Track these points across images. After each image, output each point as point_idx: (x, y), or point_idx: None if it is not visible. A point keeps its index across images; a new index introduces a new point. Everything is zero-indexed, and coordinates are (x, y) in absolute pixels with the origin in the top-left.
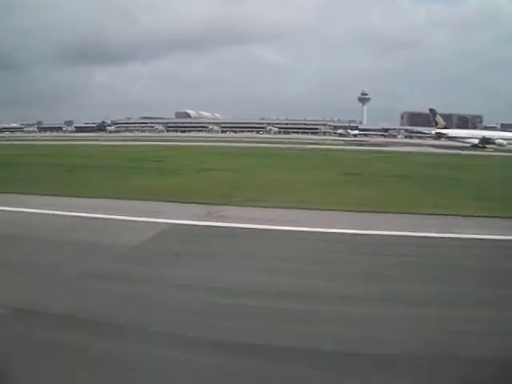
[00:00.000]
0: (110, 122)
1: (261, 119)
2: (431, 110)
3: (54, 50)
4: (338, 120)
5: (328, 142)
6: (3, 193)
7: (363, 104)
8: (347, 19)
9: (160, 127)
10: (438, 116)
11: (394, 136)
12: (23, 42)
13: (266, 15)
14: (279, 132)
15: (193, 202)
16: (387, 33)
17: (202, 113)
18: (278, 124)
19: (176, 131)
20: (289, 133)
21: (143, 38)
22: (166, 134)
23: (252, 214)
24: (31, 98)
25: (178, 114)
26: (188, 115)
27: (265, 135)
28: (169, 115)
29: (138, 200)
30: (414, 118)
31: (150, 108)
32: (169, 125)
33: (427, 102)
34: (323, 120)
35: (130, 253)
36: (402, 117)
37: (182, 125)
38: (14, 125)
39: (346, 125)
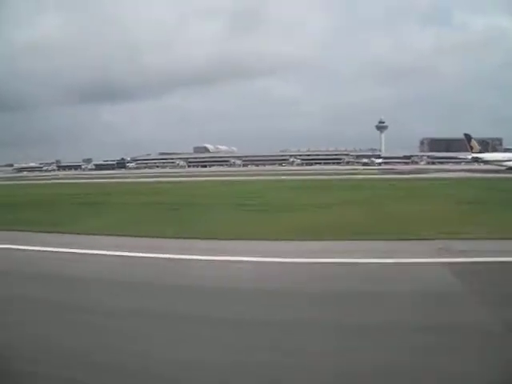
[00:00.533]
0: (129, 158)
1: (281, 151)
2: (466, 135)
3: (60, 90)
4: (360, 149)
5: (368, 171)
6: (177, 238)
7: (381, 132)
8: (356, 50)
9: (182, 163)
10: (473, 141)
11: (417, 162)
12: (28, 83)
13: (273, 49)
14: (302, 164)
15: (394, 239)
16: (396, 61)
17: (220, 147)
18: (299, 155)
19: (197, 166)
20: (311, 164)
21: (150, 76)
22: (190, 169)
23: (479, 247)
24: (40, 138)
25: (197, 149)
26: (206, 149)
27: (288, 167)
28: (183, 150)
29: (326, 240)
30: (435, 144)
31: (161, 144)
32: (189, 160)
33: (439, 128)
34: (345, 150)
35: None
36: (422, 143)
37: (203, 159)
38: (32, 164)
39: (369, 154)
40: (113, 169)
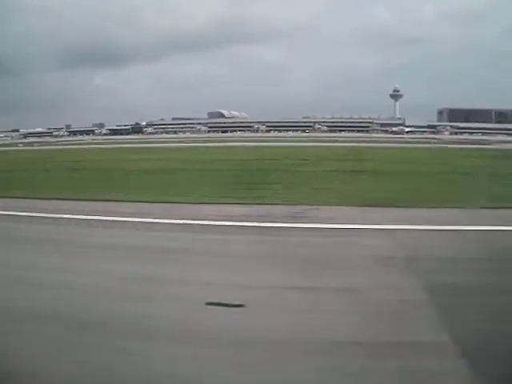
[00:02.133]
0: (144, 123)
1: (304, 117)
2: None
3: (58, 54)
4: (382, 117)
5: (415, 140)
6: None
7: (395, 100)
8: (356, 15)
9: (203, 128)
10: None
11: (441, 132)
12: (22, 46)
13: (272, 14)
14: (327, 131)
15: None
16: (400, 29)
17: (233, 112)
18: (323, 122)
19: (217, 131)
20: (335, 131)
21: (148, 40)
22: (216, 134)
23: None
24: (39, 104)
25: (211, 114)
26: (222, 115)
27: (315, 134)
28: (195, 115)
29: None
30: (454, 114)
31: (165, 109)
32: (209, 125)
33: (445, 98)
34: (369, 118)
35: None
36: (441, 112)
37: (223, 125)
38: (39, 129)
39: (391, 122)
40: (128, 134)
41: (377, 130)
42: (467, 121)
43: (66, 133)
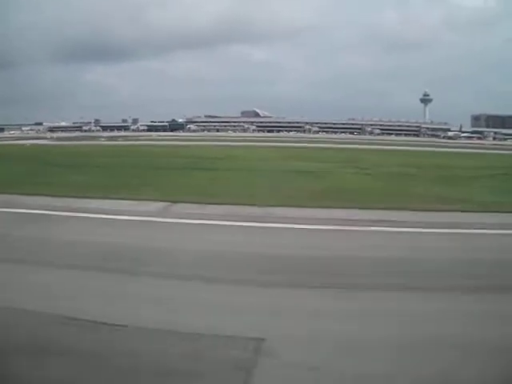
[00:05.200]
0: (180, 120)
1: (349, 119)
2: None
3: (57, 47)
4: (432, 122)
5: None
6: None
7: (425, 105)
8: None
9: (252, 127)
10: None
11: (487, 138)
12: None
13: (278, 14)
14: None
15: None
16: (406, 33)
17: (265, 112)
18: (372, 125)
19: (263, 131)
20: (384, 134)
21: (151, 36)
22: (278, 134)
23: None
24: (40, 97)
25: (245, 113)
26: (257, 114)
27: (369, 136)
28: (227, 114)
29: None
30: (492, 120)
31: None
32: (254, 123)
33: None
34: (416, 122)
35: None
36: (477, 119)
37: (270, 124)
38: (63, 123)
39: (441, 127)
40: (164, 131)
41: (428, 134)
42: (503, 127)
43: (97, 128)
